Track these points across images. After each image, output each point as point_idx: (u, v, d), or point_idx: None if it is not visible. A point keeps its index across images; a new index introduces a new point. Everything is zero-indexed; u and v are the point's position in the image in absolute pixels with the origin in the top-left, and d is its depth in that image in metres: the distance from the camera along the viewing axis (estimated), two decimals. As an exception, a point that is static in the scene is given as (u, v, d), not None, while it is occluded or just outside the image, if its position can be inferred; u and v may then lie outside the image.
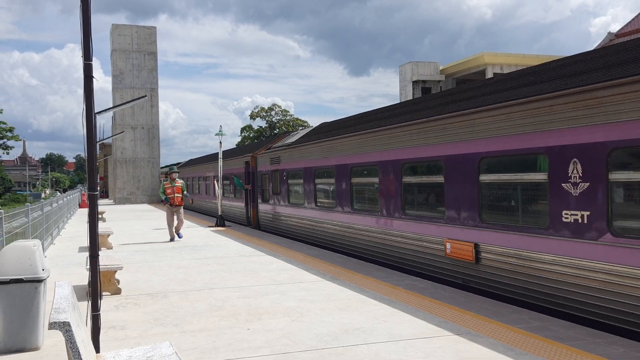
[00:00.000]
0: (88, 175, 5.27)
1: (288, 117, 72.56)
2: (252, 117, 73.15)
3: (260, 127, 72.38)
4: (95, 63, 5.19)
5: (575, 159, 6.95)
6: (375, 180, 11.80)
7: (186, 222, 24.05)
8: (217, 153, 22.53)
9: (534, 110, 7.63)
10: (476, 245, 8.66)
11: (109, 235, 15.00)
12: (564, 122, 7.14)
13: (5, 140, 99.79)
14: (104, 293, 8.18)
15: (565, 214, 7.09)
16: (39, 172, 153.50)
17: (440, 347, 5.69)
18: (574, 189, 6.98)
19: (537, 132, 7.55)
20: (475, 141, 8.73)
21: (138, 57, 47.52)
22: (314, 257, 12.09)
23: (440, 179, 9.59)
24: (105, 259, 9.05)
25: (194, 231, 19.45)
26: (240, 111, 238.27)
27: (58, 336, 6.10)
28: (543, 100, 7.48)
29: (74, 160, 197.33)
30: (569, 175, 7.03)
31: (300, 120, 72.54)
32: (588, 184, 6.79)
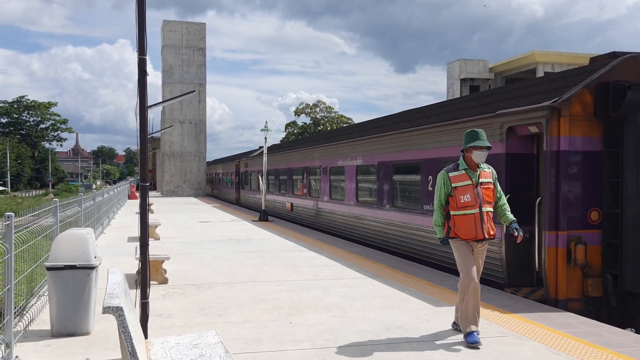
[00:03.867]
0: (140, 166, 5.42)
1: (332, 114, 72.46)
2: (297, 113, 73.37)
3: (305, 123, 72.57)
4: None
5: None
6: (285, 177, 23.69)
7: (229, 216, 24.43)
8: (227, 157, 26.96)
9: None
10: (292, 204, 21.84)
11: (156, 226, 15.36)
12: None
13: (59, 132, 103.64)
14: (151, 282, 8.38)
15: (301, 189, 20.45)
16: (90, 163, 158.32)
17: (484, 349, 5.63)
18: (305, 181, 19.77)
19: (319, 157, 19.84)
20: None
21: (187, 53, 48.47)
22: (356, 254, 12.10)
23: (285, 177, 23.41)
24: (154, 249, 9.27)
25: (237, 225, 19.74)
26: (285, 107, 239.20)
27: (108, 322, 6.31)
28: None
29: (123, 153, 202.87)
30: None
31: (344, 117, 72.33)
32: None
